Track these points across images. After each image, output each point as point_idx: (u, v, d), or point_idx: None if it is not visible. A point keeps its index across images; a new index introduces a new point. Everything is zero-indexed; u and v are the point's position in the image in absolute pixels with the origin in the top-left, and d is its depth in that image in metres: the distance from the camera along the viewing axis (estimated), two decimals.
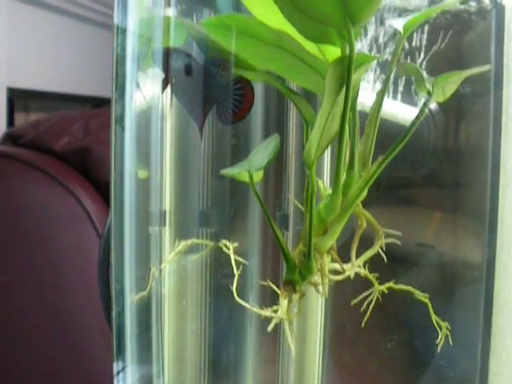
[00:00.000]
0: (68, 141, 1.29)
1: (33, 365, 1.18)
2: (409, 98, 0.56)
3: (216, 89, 0.50)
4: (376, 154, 0.48)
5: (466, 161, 0.61)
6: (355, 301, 0.52)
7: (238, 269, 0.55)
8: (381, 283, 0.52)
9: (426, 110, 0.46)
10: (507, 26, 0.59)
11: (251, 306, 0.49)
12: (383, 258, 0.50)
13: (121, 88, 0.60)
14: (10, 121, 1.79)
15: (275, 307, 0.48)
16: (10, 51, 1.72)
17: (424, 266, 0.63)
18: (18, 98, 1.85)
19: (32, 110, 1.93)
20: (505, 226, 0.59)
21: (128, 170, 0.61)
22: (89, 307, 1.15)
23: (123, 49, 0.58)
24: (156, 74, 0.60)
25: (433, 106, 0.55)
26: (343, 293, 0.59)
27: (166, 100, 0.63)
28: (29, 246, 1.18)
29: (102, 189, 1.24)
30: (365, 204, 0.50)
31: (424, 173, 0.61)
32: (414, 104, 0.56)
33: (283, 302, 0.47)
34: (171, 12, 0.60)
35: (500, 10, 0.59)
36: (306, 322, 0.64)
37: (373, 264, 0.50)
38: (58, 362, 1.18)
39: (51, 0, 1.88)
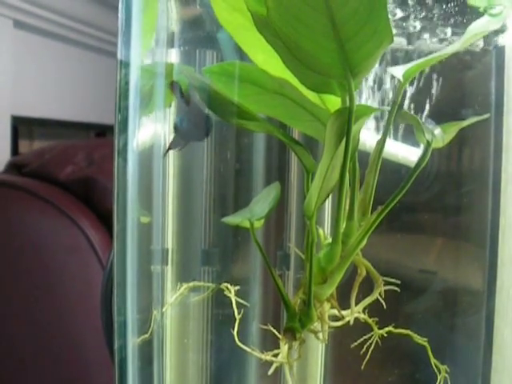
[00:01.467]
0: (72, 170, 1.30)
1: None
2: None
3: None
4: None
5: (468, 185, 0.62)
6: (355, 344, 0.53)
7: (240, 309, 0.55)
8: (383, 312, 0.52)
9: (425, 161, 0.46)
10: (507, 65, 0.59)
11: (252, 350, 0.49)
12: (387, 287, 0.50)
13: (124, 121, 0.60)
14: (15, 148, 1.80)
15: (276, 351, 0.48)
16: (14, 79, 1.73)
17: (426, 292, 0.63)
18: (23, 126, 1.86)
19: (36, 137, 1.94)
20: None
21: (130, 208, 0.61)
22: (91, 336, 1.15)
23: (126, 83, 0.59)
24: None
25: (437, 131, 0.55)
26: (344, 334, 0.59)
27: (168, 139, 0.63)
28: (32, 276, 1.19)
29: (105, 218, 1.24)
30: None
31: (427, 197, 0.61)
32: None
33: (283, 348, 0.47)
34: (174, 54, 0.61)
35: (500, 50, 0.60)
36: (306, 361, 0.64)
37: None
38: None
39: (55, 29, 1.89)
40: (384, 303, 0.50)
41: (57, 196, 1.24)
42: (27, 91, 1.81)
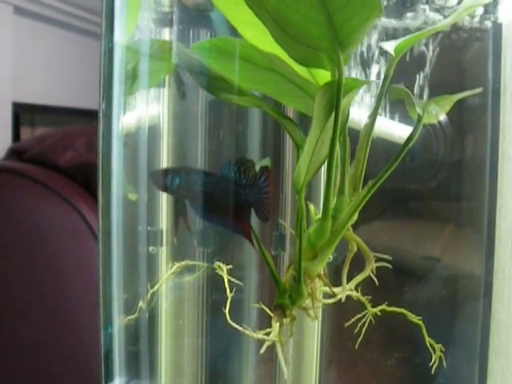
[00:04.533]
0: (72, 156, 1.29)
1: (33, 375, 1.19)
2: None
3: (247, 194, 0.48)
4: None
5: (474, 173, 0.61)
6: (348, 323, 0.52)
7: (233, 289, 0.54)
8: (385, 295, 0.52)
9: (416, 135, 0.45)
10: (504, 42, 0.59)
11: (244, 329, 0.49)
12: (388, 271, 0.50)
13: (109, 104, 0.60)
14: (16, 135, 1.80)
15: (268, 330, 0.48)
16: (15, 66, 1.73)
17: (429, 279, 0.63)
18: (24, 113, 1.86)
19: (38, 124, 1.93)
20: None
21: (116, 186, 0.61)
22: (91, 319, 1.15)
23: (110, 63, 0.58)
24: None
25: (442, 118, 0.55)
26: (340, 313, 0.58)
27: (161, 120, 0.63)
28: (32, 260, 1.19)
29: None
30: (374, 216, 0.49)
31: (433, 185, 0.60)
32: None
33: (275, 326, 0.47)
34: (165, 33, 0.60)
35: (497, 27, 0.59)
36: (302, 342, 0.64)
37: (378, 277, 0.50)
38: (56, 374, 1.18)
39: (56, 15, 1.89)
40: (382, 286, 0.50)
41: (57, 182, 1.24)
42: (28, 78, 1.81)
